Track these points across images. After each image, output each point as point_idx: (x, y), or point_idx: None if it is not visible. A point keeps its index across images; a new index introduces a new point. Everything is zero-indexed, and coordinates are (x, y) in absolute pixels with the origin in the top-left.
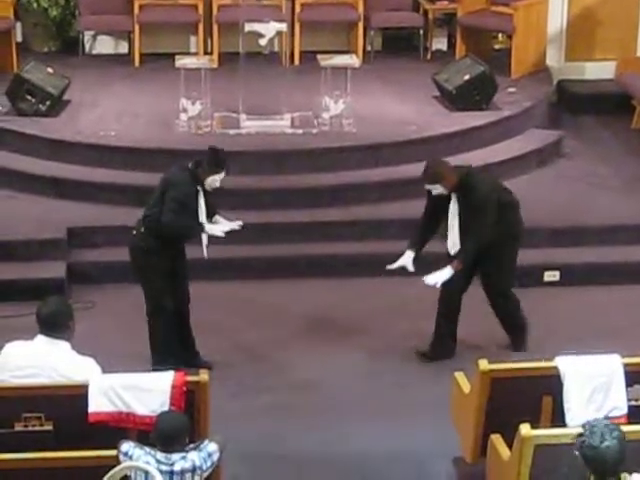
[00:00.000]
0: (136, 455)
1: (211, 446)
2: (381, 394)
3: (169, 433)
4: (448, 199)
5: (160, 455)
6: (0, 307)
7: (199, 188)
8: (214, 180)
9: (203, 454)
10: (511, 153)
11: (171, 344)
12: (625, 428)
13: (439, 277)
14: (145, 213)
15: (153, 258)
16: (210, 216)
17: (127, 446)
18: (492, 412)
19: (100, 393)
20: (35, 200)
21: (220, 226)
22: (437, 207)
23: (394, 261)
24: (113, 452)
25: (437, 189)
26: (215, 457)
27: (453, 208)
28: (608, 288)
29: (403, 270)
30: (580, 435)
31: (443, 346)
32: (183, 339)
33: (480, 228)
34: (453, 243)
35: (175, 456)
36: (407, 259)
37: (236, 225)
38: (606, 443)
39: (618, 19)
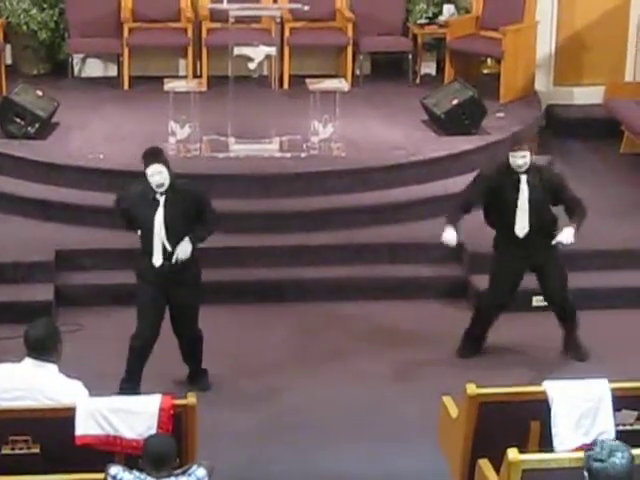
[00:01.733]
0: (125, 478)
1: (200, 471)
2: (369, 418)
3: (158, 456)
4: (496, 190)
5: (150, 479)
6: None
7: (157, 197)
8: (151, 174)
9: (192, 479)
10: None
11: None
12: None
13: (568, 236)
14: None
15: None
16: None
17: (116, 470)
18: (480, 437)
19: (87, 416)
20: (23, 222)
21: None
22: (480, 197)
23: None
24: (101, 475)
25: (526, 158)
26: None
27: (524, 190)
28: (596, 313)
29: (391, 294)
30: (590, 449)
31: (467, 346)
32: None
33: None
34: (522, 226)
35: None
36: (452, 234)
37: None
38: (614, 459)
39: (607, 44)
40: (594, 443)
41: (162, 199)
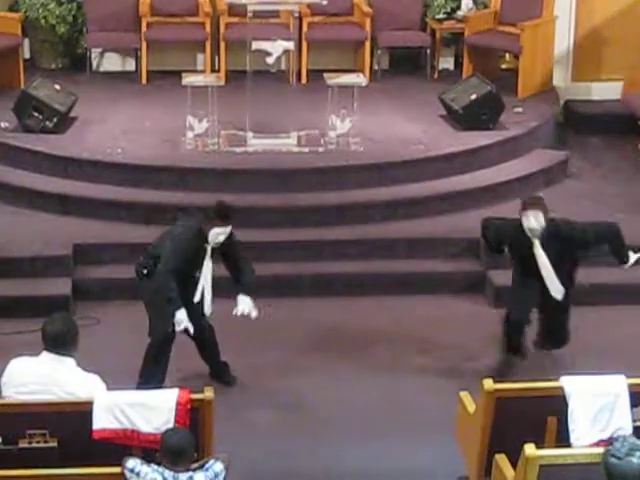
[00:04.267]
0: (144, 472)
1: (217, 465)
2: (385, 412)
3: (176, 449)
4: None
5: (168, 474)
6: (6, 323)
7: (206, 246)
8: (217, 234)
9: (210, 474)
10: (518, 173)
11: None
12: None
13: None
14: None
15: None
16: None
17: (133, 462)
18: (497, 432)
19: (105, 410)
20: (41, 217)
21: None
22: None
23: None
24: (117, 469)
25: (539, 219)
26: (221, 477)
27: (541, 257)
28: (614, 308)
29: (408, 289)
30: (610, 443)
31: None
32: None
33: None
34: (556, 289)
35: (182, 476)
36: None
37: (243, 312)
38: (631, 458)
39: (625, 40)
40: (615, 439)
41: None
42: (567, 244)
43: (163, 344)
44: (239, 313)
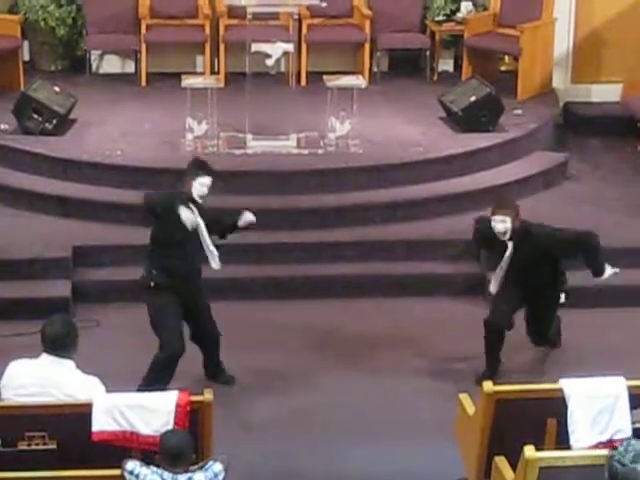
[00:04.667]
0: (143, 474)
1: (216, 466)
2: (384, 414)
3: (175, 452)
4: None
5: (167, 475)
6: (5, 325)
7: (191, 206)
8: (201, 184)
9: (209, 474)
10: (517, 175)
11: None
12: None
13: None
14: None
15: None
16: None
17: (133, 464)
18: (496, 434)
19: (104, 412)
20: (41, 219)
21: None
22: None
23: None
24: (117, 471)
25: (506, 223)
26: (221, 477)
27: (507, 255)
28: (614, 310)
29: (407, 291)
30: (614, 448)
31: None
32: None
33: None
34: (494, 285)
35: (182, 477)
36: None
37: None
38: (636, 466)
39: (624, 42)
40: (619, 443)
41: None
42: (538, 245)
43: (170, 361)
44: (245, 220)
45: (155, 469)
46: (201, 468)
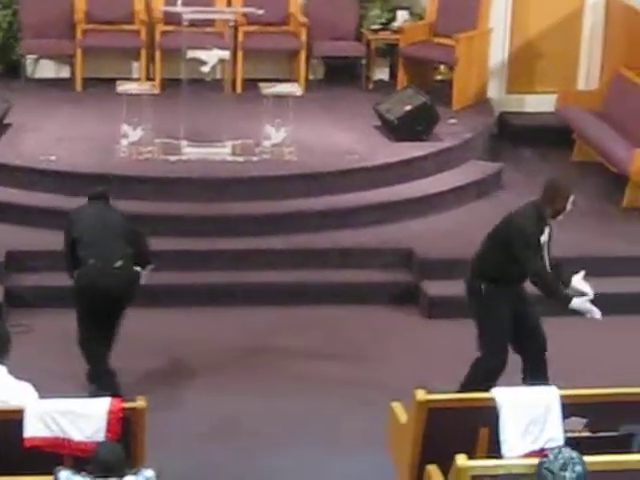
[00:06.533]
0: None
1: (148, 471)
2: (315, 424)
3: (107, 465)
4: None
5: None
6: None
7: None
8: None
9: (140, 479)
10: (451, 184)
11: None
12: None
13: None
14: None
15: None
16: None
17: (65, 474)
18: (429, 442)
19: (36, 418)
20: None
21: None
22: None
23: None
24: (49, 478)
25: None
26: None
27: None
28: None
29: (341, 299)
30: (545, 456)
31: None
32: None
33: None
34: None
35: None
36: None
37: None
38: (565, 474)
39: (559, 53)
40: (550, 451)
41: None
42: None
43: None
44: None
45: (87, 478)
46: (134, 474)
